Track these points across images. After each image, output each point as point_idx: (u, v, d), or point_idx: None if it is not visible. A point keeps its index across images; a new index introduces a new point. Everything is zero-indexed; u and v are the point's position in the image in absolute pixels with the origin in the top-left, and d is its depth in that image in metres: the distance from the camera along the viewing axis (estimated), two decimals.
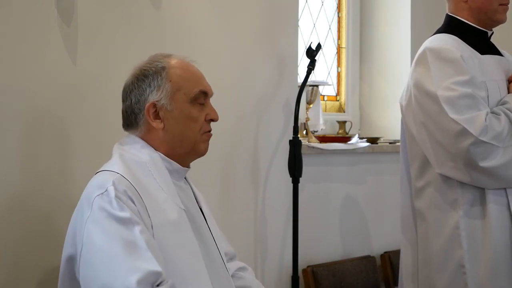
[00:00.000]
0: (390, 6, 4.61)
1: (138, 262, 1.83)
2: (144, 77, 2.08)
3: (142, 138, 2.09)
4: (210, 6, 3.28)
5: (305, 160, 3.53)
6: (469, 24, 2.73)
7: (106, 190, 1.92)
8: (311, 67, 3.53)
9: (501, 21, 2.73)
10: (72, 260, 1.95)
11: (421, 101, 2.64)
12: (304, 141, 3.80)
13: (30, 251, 2.50)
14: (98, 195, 1.92)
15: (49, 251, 2.53)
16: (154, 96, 2.05)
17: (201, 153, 2.14)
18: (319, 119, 4.12)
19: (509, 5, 2.74)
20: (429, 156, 2.64)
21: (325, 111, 4.47)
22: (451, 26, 2.76)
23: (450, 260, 2.63)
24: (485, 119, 2.52)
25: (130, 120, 2.11)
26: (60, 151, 2.67)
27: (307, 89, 4.01)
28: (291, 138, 3.49)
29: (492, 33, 2.80)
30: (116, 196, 1.91)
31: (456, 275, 2.62)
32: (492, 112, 2.59)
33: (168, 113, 2.06)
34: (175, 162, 2.09)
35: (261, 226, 3.59)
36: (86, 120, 2.75)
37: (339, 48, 4.66)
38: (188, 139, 2.08)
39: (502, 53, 2.82)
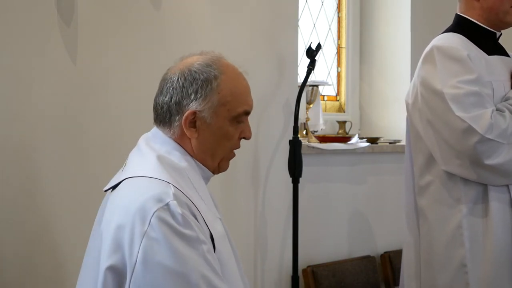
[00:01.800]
0: (390, 6, 4.61)
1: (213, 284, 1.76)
2: (193, 79, 1.89)
3: (175, 141, 1.92)
4: (210, 6, 3.28)
5: (305, 160, 3.53)
6: (478, 24, 2.74)
7: (167, 204, 1.76)
8: (311, 67, 3.53)
9: (511, 23, 2.74)
10: (115, 271, 1.78)
11: (427, 99, 2.65)
12: (304, 141, 3.80)
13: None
14: (158, 209, 1.75)
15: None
16: (197, 104, 1.88)
17: (223, 170, 2.02)
18: (319, 119, 4.12)
19: None
20: (435, 153, 2.66)
21: (325, 111, 4.47)
22: (459, 25, 2.77)
23: (452, 259, 2.63)
24: (491, 116, 2.54)
25: (164, 117, 1.92)
26: (62, 150, 2.67)
27: (307, 89, 4.01)
28: (291, 138, 3.49)
29: (501, 34, 2.80)
30: (181, 212, 1.76)
31: (458, 274, 2.62)
32: (497, 109, 2.61)
33: (206, 125, 1.91)
34: (207, 169, 1.97)
35: (261, 226, 3.59)
36: (86, 119, 2.75)
37: (339, 48, 4.66)
38: (218, 156, 1.96)
39: (510, 55, 2.83)
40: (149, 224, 1.74)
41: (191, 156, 1.93)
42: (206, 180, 1.99)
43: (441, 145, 2.62)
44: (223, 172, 3.34)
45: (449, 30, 2.79)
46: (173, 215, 1.75)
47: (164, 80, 1.94)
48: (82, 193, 2.66)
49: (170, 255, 1.73)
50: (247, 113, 1.97)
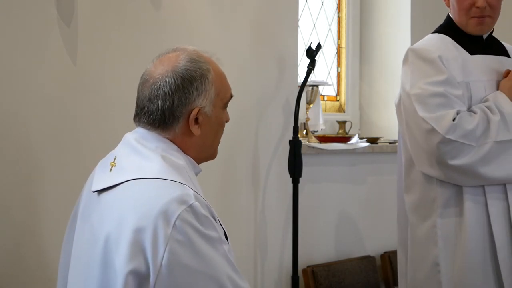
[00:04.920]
0: (390, 6, 4.61)
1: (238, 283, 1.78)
2: (191, 77, 1.89)
3: (171, 140, 1.90)
4: (210, 6, 3.28)
5: (305, 160, 3.54)
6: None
7: (190, 206, 1.76)
8: (311, 67, 3.53)
9: (475, 33, 2.71)
10: (137, 275, 1.75)
11: (403, 100, 2.71)
12: (304, 141, 3.80)
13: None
14: (183, 211, 1.74)
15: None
16: (200, 101, 1.89)
17: (215, 157, 2.05)
18: (319, 119, 4.12)
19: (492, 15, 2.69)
20: (411, 154, 2.69)
21: (325, 111, 4.47)
22: (446, 25, 2.79)
23: (427, 257, 2.67)
24: (454, 117, 2.55)
25: (165, 121, 1.89)
26: (61, 149, 2.67)
27: (307, 89, 4.01)
28: (291, 138, 3.49)
29: (491, 32, 2.78)
30: (204, 213, 1.77)
31: (431, 273, 2.66)
32: (470, 110, 2.61)
33: (207, 119, 1.91)
34: (198, 165, 1.98)
35: (261, 226, 3.59)
36: (86, 119, 2.75)
37: (339, 48, 4.66)
38: (215, 145, 1.99)
39: (509, 52, 2.80)
40: (173, 226, 1.73)
41: (183, 152, 1.92)
42: (196, 175, 1.99)
43: (414, 145, 2.66)
44: (223, 172, 3.36)
45: (436, 30, 2.82)
46: (197, 217, 1.76)
47: (154, 83, 1.89)
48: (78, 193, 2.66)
49: (196, 257, 1.73)
50: (231, 97, 2.00)
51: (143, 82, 1.92)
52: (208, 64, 1.93)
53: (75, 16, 2.69)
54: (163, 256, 1.72)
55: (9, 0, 2.50)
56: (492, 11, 2.67)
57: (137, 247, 1.75)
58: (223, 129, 2.00)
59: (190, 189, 1.80)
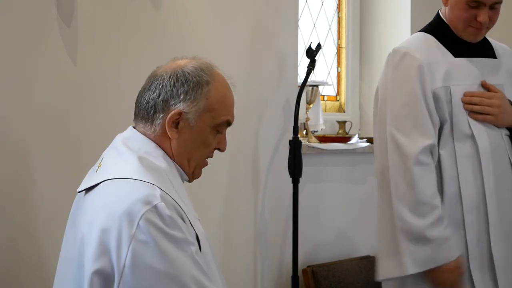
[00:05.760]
0: (390, 6, 4.61)
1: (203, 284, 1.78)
2: (185, 80, 1.91)
3: (154, 141, 1.92)
4: (210, 6, 3.28)
5: (305, 160, 3.54)
6: (450, 27, 2.71)
7: (155, 206, 1.75)
8: (311, 67, 3.54)
9: (469, 41, 2.69)
10: (102, 276, 1.75)
11: (379, 102, 2.70)
12: (304, 141, 3.80)
13: None
14: (147, 211, 1.74)
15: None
16: (184, 105, 1.90)
17: (197, 177, 2.02)
18: (319, 119, 4.13)
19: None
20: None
21: (325, 111, 4.47)
22: (434, 24, 2.75)
23: (396, 248, 2.69)
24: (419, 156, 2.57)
25: (147, 112, 1.92)
26: (60, 149, 2.67)
27: (307, 89, 4.01)
28: (291, 138, 3.50)
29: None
30: (169, 213, 1.76)
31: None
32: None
33: (188, 128, 1.91)
34: (184, 173, 1.97)
35: (261, 226, 3.58)
36: (86, 120, 2.76)
37: (339, 48, 4.66)
38: (194, 161, 1.96)
39: (496, 51, 2.78)
40: (137, 226, 1.73)
41: (170, 157, 1.93)
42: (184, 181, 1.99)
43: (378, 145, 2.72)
44: (223, 172, 3.36)
45: (424, 28, 2.78)
46: (161, 217, 1.75)
47: (154, 77, 1.94)
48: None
49: (159, 257, 1.73)
50: (229, 123, 1.98)
51: (150, 76, 1.96)
52: (212, 78, 1.94)
53: (75, 16, 2.69)
54: (126, 257, 1.72)
55: (9, 0, 2.50)
56: (490, 24, 2.65)
57: (102, 247, 1.75)
58: (207, 150, 1.97)
59: (159, 190, 1.79)
